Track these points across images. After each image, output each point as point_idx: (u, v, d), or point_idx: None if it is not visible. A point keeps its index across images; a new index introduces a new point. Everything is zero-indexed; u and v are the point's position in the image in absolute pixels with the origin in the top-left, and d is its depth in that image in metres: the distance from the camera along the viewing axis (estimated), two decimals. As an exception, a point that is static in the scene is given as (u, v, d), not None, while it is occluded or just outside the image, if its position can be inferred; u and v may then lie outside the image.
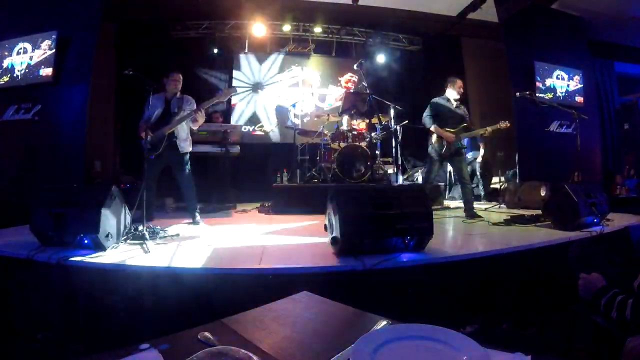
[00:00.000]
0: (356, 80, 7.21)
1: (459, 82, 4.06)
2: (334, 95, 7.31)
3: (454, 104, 4.06)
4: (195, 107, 3.55)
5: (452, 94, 4.05)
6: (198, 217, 3.59)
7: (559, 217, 3.00)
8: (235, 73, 7.19)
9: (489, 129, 3.89)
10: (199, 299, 1.87)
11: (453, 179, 6.11)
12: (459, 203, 4.67)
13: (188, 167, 3.60)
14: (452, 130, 3.94)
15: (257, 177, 6.88)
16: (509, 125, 3.89)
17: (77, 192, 2.36)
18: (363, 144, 4.92)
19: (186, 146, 3.58)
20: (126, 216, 2.54)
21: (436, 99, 4.12)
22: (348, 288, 1.92)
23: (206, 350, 0.52)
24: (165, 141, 3.39)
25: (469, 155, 5.89)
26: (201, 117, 3.56)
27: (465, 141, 4.60)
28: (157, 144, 3.37)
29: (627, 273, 1.36)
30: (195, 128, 3.69)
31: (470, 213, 3.92)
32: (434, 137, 4.00)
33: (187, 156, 3.61)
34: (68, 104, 4.64)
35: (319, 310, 0.85)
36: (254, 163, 7.02)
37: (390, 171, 5.40)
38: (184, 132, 3.55)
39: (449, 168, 5.88)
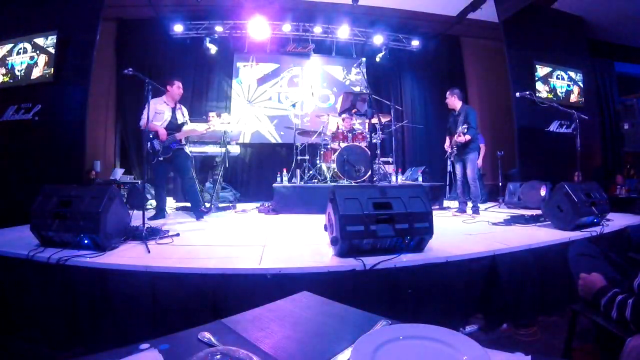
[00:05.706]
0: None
1: (449, 92, 4.30)
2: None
3: (455, 112, 4.26)
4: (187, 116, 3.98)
5: (450, 104, 4.31)
6: (199, 217, 3.60)
7: (559, 217, 3.00)
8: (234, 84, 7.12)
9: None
10: (199, 299, 1.86)
11: (454, 178, 6.11)
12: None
13: (192, 168, 3.90)
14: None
15: (257, 177, 6.89)
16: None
17: (77, 192, 2.36)
18: (363, 144, 4.93)
19: (188, 150, 3.92)
20: (126, 216, 2.54)
21: None
22: (348, 288, 1.92)
23: (206, 351, 0.52)
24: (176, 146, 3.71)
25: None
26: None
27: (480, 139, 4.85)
28: (168, 149, 3.66)
29: (627, 273, 1.36)
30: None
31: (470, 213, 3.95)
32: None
33: (191, 159, 3.95)
34: (68, 104, 4.64)
35: (319, 310, 0.85)
36: (254, 163, 7.03)
37: (390, 171, 5.40)
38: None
39: (449, 168, 5.90)
